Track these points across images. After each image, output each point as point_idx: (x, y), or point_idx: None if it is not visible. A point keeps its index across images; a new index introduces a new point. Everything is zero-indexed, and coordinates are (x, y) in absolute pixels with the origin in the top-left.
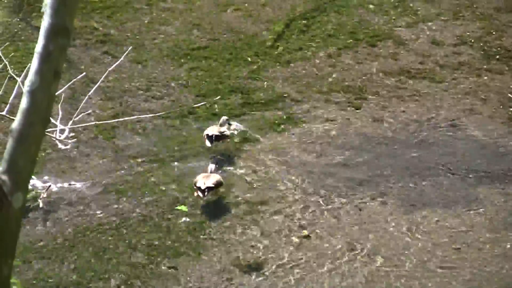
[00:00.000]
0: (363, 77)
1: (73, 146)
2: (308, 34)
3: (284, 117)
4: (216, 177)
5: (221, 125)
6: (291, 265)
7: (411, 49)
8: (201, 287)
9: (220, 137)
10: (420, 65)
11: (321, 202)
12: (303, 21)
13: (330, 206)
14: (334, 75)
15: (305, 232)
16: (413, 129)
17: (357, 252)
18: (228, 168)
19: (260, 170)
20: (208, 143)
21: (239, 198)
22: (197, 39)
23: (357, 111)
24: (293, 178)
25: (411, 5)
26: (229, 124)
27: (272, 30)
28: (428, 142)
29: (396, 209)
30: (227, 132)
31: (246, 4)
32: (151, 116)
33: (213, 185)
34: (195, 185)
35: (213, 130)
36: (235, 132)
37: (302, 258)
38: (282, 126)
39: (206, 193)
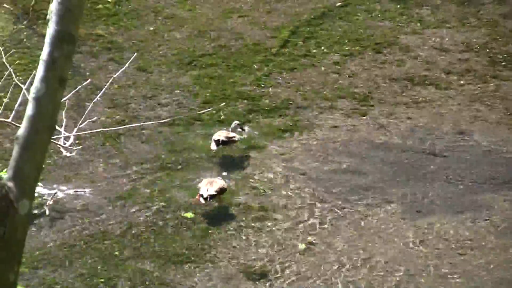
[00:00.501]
0: (369, 84)
1: (79, 153)
2: (314, 40)
3: (290, 123)
4: (219, 184)
5: (232, 130)
6: (297, 272)
7: (417, 56)
8: None
9: (227, 142)
10: (426, 71)
11: (326, 208)
12: (309, 28)
13: (335, 213)
14: (339, 82)
15: (311, 239)
16: (418, 136)
17: (362, 258)
18: (234, 174)
19: (265, 176)
20: (213, 146)
21: (245, 205)
22: (202, 46)
23: (363, 117)
24: (298, 184)
25: (416, 11)
26: (242, 129)
27: (277, 36)
28: (434, 148)
29: (401, 215)
30: (236, 138)
31: (251, 11)
32: (156, 123)
33: (215, 193)
34: (198, 191)
35: (221, 134)
36: (244, 136)
37: (307, 265)
38: (288, 133)
39: (208, 200)
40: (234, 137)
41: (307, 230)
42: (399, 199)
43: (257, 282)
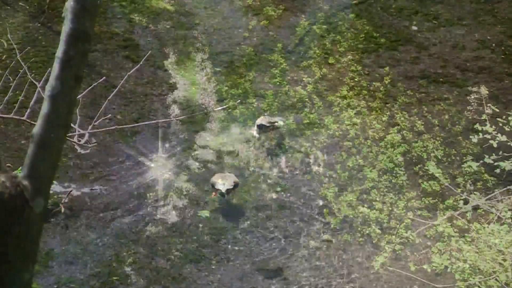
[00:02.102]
0: (384, 82)
1: (94, 151)
2: (329, 38)
3: (306, 120)
4: (232, 178)
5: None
6: (313, 270)
7: (432, 54)
8: None
9: (268, 127)
10: (441, 69)
11: (342, 206)
12: (324, 26)
13: (351, 211)
14: (355, 80)
15: (327, 237)
16: (434, 133)
17: (383, 256)
18: (249, 171)
19: (281, 173)
20: (256, 133)
21: (261, 202)
22: (218, 44)
23: (378, 115)
24: (314, 182)
25: (432, 9)
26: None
27: (293, 34)
28: (450, 146)
29: (419, 213)
30: (279, 123)
31: (268, 9)
32: (172, 121)
33: (231, 187)
34: (213, 187)
35: (263, 119)
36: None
37: (323, 262)
38: (304, 130)
39: (226, 196)
40: (276, 122)
41: (323, 227)
42: (417, 196)
43: (272, 280)
